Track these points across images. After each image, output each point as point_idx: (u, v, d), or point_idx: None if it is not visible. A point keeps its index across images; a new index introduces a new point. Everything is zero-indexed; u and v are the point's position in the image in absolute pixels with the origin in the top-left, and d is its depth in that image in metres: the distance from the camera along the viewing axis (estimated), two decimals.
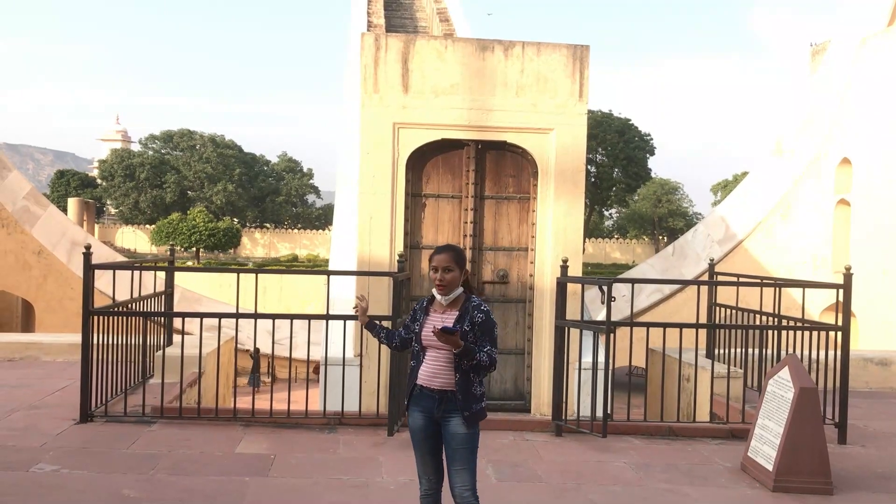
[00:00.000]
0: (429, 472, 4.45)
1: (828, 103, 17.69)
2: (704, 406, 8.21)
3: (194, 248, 60.66)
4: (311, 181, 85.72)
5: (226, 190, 74.80)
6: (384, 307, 8.57)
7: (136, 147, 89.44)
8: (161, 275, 9.32)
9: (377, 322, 4.95)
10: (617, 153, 57.37)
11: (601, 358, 7.29)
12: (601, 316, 7.33)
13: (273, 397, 7.72)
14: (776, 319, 8.49)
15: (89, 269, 7.29)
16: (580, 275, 9.16)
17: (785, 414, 6.16)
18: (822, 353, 7.73)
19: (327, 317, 7.61)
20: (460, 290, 4.46)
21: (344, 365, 7.66)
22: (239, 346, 11.08)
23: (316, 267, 53.19)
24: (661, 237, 76.44)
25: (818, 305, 15.13)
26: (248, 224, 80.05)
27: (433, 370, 4.36)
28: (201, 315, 7.85)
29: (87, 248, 7.45)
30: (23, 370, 9.59)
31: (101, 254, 17.80)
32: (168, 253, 9.81)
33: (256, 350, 13.91)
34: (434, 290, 4.47)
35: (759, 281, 9.08)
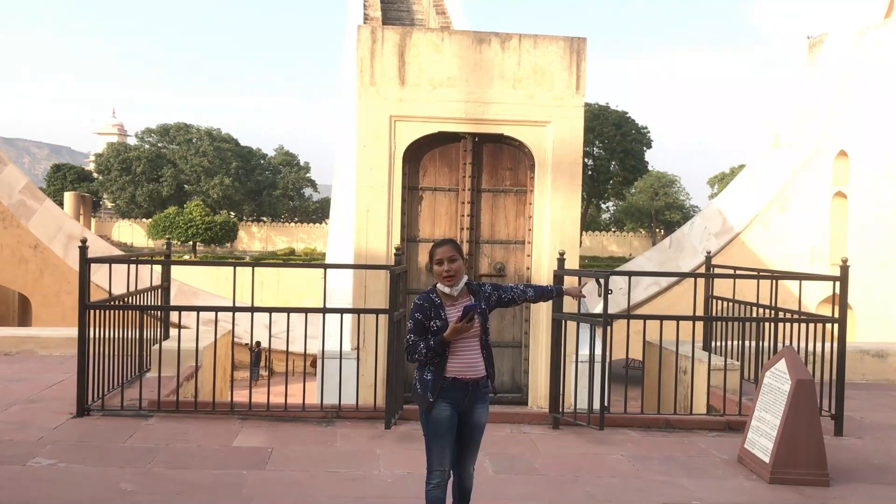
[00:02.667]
0: (445, 464, 4.44)
1: (825, 96, 17.70)
2: (701, 398, 8.22)
3: (191, 242, 60.61)
4: (307, 174, 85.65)
5: (222, 183, 74.68)
6: (381, 300, 8.57)
7: (132, 141, 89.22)
8: (157, 268, 9.30)
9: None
10: (614, 146, 57.31)
11: (598, 351, 7.29)
12: (598, 309, 7.33)
13: (270, 391, 7.72)
14: (773, 312, 8.49)
15: (85, 262, 7.27)
16: (577, 267, 9.16)
17: (782, 406, 6.16)
18: (819, 345, 7.73)
19: (324, 310, 7.61)
20: (465, 278, 4.49)
21: (341, 358, 7.66)
22: (236, 339, 11.08)
23: (313, 260, 53.17)
24: (658, 230, 76.52)
25: (815, 297, 15.16)
26: (244, 218, 79.96)
27: (468, 361, 4.40)
28: (198, 309, 7.83)
29: (84, 241, 7.42)
30: (19, 364, 9.58)
31: (98, 248, 17.77)
32: (165, 247, 9.79)
33: (258, 344, 13.92)
34: (441, 284, 4.43)
35: (755, 273, 9.09)
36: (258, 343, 14.67)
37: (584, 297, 4.70)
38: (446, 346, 4.34)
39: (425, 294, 4.46)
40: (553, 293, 4.95)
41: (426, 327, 4.37)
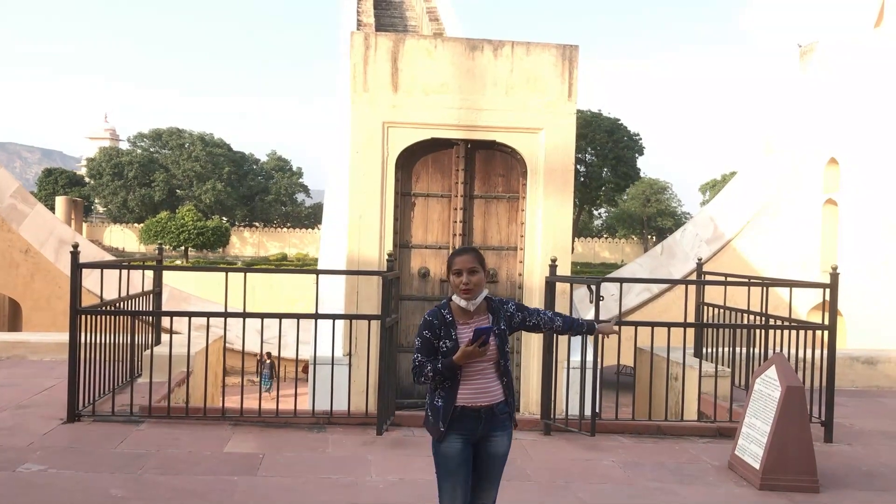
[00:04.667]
0: (458, 501, 3.96)
1: (815, 104, 17.79)
2: (692, 405, 8.24)
3: (183, 247, 60.44)
4: (300, 180, 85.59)
5: (215, 189, 74.56)
6: (373, 306, 8.57)
7: (124, 145, 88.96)
8: (149, 274, 9.28)
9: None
10: (606, 153, 57.46)
11: (590, 357, 7.31)
12: (590, 315, 7.35)
13: (261, 396, 7.71)
14: (763, 318, 8.53)
15: (77, 267, 7.26)
16: (569, 274, 9.19)
17: (772, 413, 6.19)
18: (809, 351, 7.77)
19: (316, 316, 7.60)
20: (486, 292, 4.04)
21: (333, 364, 7.65)
22: (228, 345, 11.05)
23: (305, 266, 53.05)
24: (649, 237, 76.69)
25: (806, 304, 15.22)
26: (237, 223, 79.81)
27: (481, 386, 3.93)
28: (189, 314, 7.82)
29: (75, 246, 7.41)
30: (10, 369, 9.53)
31: (89, 252, 17.70)
32: (156, 252, 9.77)
33: (269, 354, 13.86)
34: (457, 297, 3.96)
35: (746, 280, 9.13)
36: (269, 353, 14.58)
37: (616, 332, 4.54)
38: (457, 370, 3.87)
39: (436, 309, 3.99)
40: (583, 328, 4.37)
41: (435, 347, 3.91)
